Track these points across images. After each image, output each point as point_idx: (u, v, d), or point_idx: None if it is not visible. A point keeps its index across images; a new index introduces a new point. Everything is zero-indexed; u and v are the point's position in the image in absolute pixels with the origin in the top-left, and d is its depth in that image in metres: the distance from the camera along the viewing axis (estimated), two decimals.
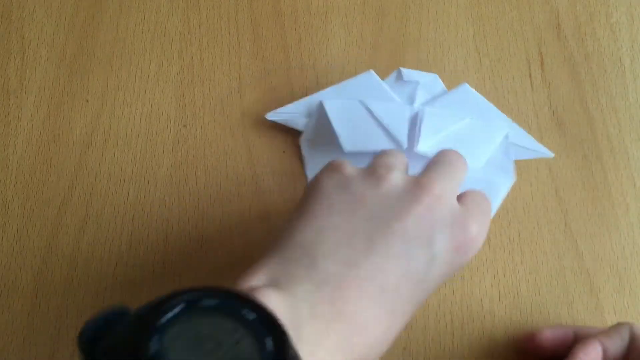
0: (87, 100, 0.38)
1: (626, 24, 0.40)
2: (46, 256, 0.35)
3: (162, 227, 0.35)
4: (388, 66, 0.39)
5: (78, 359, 0.33)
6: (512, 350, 0.34)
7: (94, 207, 0.36)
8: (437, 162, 0.27)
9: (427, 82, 0.37)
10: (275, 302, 0.20)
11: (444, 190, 0.25)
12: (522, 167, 0.37)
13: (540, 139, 0.37)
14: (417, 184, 0.25)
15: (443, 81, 0.39)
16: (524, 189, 0.36)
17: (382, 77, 0.39)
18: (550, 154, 0.36)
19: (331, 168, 0.27)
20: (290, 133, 0.38)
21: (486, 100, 0.36)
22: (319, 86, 0.38)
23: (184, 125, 0.38)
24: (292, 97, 0.38)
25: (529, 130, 0.38)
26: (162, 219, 0.36)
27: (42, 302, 0.34)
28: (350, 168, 0.26)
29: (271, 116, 0.36)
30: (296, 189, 0.36)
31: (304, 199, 0.26)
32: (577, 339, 0.29)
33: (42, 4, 0.40)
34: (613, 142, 0.37)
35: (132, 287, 0.34)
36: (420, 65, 0.39)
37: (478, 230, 0.25)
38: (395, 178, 0.25)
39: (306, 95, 0.38)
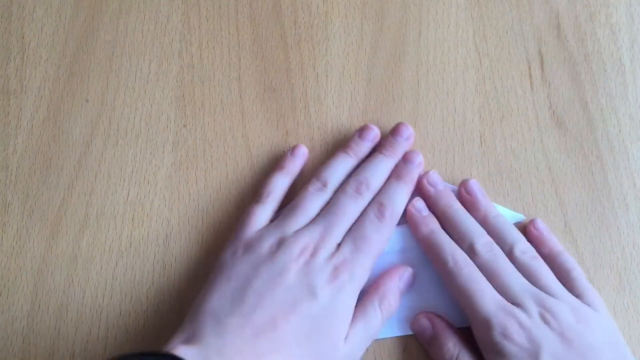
0: (87, 100, 0.38)
1: (626, 24, 0.40)
2: (46, 256, 0.35)
3: (162, 227, 0.35)
4: (388, 66, 0.39)
5: (78, 359, 0.33)
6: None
7: (94, 207, 0.36)
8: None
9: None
10: (188, 354, 0.25)
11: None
12: (522, 167, 0.37)
13: (540, 139, 0.37)
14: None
15: (443, 81, 0.39)
16: (524, 189, 0.36)
17: (382, 80, 0.39)
18: (522, 217, 0.35)
19: (233, 247, 0.32)
20: (290, 134, 0.38)
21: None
22: (319, 86, 0.39)
23: (184, 125, 0.38)
24: (292, 97, 0.38)
25: (529, 130, 0.38)
26: (162, 219, 0.36)
27: (42, 302, 0.34)
28: (248, 246, 0.31)
29: None
30: (296, 189, 0.36)
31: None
32: None
33: (42, 4, 0.40)
34: (613, 142, 0.37)
35: (132, 287, 0.34)
36: (420, 65, 0.39)
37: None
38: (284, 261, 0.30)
39: (306, 94, 0.38)
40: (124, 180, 0.36)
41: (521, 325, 0.28)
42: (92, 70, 0.39)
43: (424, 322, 0.32)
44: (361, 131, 0.36)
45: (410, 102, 0.38)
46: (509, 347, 0.28)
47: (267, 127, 0.38)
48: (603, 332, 0.30)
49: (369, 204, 0.33)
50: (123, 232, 0.35)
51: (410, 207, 0.34)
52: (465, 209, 0.34)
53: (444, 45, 0.40)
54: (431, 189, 0.35)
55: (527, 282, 0.31)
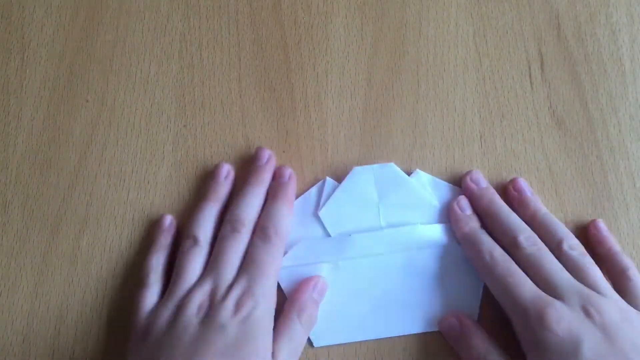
0: (87, 100, 0.38)
1: (626, 24, 0.40)
2: (46, 256, 0.35)
3: None
4: (388, 66, 0.39)
5: (78, 359, 0.33)
6: (511, 350, 0.34)
7: (94, 207, 0.36)
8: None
9: (383, 173, 0.36)
10: None
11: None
12: (522, 167, 0.37)
13: (540, 139, 0.37)
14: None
15: (443, 81, 0.39)
16: None
17: (382, 80, 0.39)
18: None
19: (133, 339, 0.31)
20: (290, 134, 0.38)
21: (443, 182, 0.36)
22: (319, 86, 0.39)
23: (184, 125, 0.38)
24: (292, 97, 0.38)
25: (529, 130, 0.38)
26: None
27: (42, 302, 0.34)
28: (145, 332, 0.31)
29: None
30: (296, 189, 0.36)
31: None
32: None
33: (42, 4, 0.40)
34: (613, 142, 0.37)
35: (133, 287, 0.34)
36: (420, 65, 0.39)
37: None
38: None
39: (306, 94, 0.38)
40: (124, 180, 0.36)
41: (561, 316, 0.28)
42: (92, 70, 0.39)
43: (452, 321, 0.32)
44: (213, 174, 0.36)
45: (410, 102, 0.38)
46: (548, 337, 0.27)
47: (267, 127, 0.38)
48: None
49: (253, 232, 0.33)
50: (123, 232, 0.35)
51: (454, 204, 0.35)
52: (514, 207, 0.34)
53: (444, 45, 0.40)
54: (474, 187, 0.35)
55: (572, 277, 0.30)
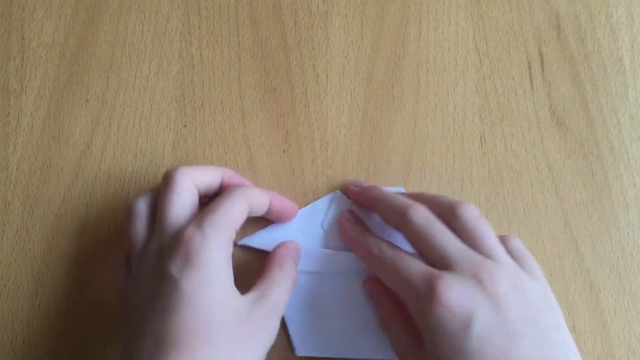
0: (87, 100, 0.38)
1: (626, 24, 0.40)
2: (46, 256, 0.35)
3: None
4: (388, 66, 0.39)
5: None
6: None
7: (94, 207, 0.36)
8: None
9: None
10: None
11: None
12: (522, 167, 0.37)
13: (541, 139, 0.38)
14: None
15: (443, 81, 0.39)
16: (524, 189, 0.36)
17: (382, 80, 0.39)
18: None
19: None
20: (290, 134, 0.38)
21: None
22: (319, 86, 0.39)
23: (184, 125, 0.38)
24: (292, 97, 0.38)
25: (529, 130, 0.38)
26: None
27: (42, 302, 0.34)
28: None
29: (243, 242, 0.35)
30: (296, 189, 0.36)
31: None
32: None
33: (42, 4, 0.40)
34: (613, 142, 0.37)
35: None
36: (420, 65, 0.39)
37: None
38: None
39: (306, 94, 0.38)
40: (124, 180, 0.36)
41: (450, 286, 0.26)
42: (92, 70, 0.39)
43: (366, 286, 0.33)
44: None
45: (410, 102, 0.38)
46: (438, 312, 0.26)
47: (267, 127, 0.38)
48: (540, 302, 0.27)
49: None
50: (123, 232, 0.35)
51: (340, 217, 0.35)
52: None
53: (444, 45, 0.40)
54: (356, 189, 0.35)
55: (463, 245, 0.29)
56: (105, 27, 0.40)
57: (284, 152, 0.37)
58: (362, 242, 0.32)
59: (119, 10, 0.40)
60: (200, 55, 0.39)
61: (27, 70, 0.39)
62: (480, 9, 0.41)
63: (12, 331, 0.33)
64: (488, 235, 0.29)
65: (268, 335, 0.29)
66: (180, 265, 0.27)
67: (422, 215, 0.30)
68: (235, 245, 0.34)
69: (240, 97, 0.38)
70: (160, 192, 0.31)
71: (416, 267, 0.28)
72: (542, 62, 0.39)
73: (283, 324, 0.33)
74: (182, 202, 0.30)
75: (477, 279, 0.27)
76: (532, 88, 0.39)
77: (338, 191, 0.36)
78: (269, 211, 0.33)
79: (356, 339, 0.33)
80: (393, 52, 0.39)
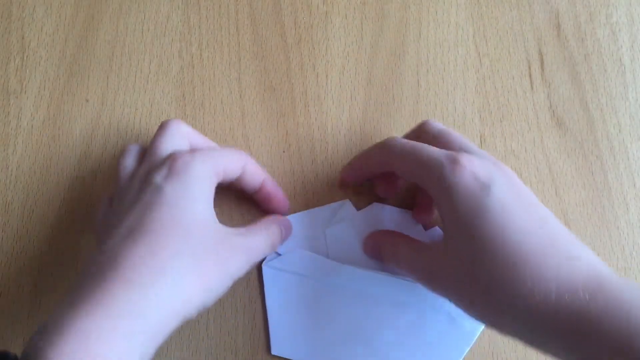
0: (87, 100, 0.38)
1: (626, 24, 0.40)
2: (46, 256, 0.35)
3: None
4: (388, 66, 0.39)
5: None
6: (511, 349, 0.34)
7: (94, 207, 0.36)
8: None
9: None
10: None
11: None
12: (522, 167, 0.37)
13: (540, 139, 0.38)
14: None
15: (443, 81, 0.39)
16: None
17: (382, 80, 0.39)
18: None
19: None
20: (290, 134, 0.38)
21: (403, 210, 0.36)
22: (319, 86, 0.39)
23: None
24: (292, 97, 0.38)
25: (529, 130, 0.38)
26: None
27: (42, 302, 0.34)
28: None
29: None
30: (296, 189, 0.36)
31: None
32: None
33: (42, 4, 0.40)
34: (613, 142, 0.37)
35: None
36: (420, 65, 0.39)
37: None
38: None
39: (306, 94, 0.38)
40: None
41: (471, 159, 0.28)
42: (92, 70, 0.39)
43: (369, 241, 0.34)
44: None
45: (410, 102, 0.38)
46: (463, 174, 0.27)
47: (267, 127, 0.38)
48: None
49: None
50: None
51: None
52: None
53: (444, 45, 0.40)
54: (347, 169, 0.35)
55: None
56: (105, 27, 0.40)
57: (284, 152, 0.37)
58: (384, 143, 0.32)
59: (119, 10, 0.40)
60: (200, 55, 0.39)
61: (27, 70, 0.39)
62: (480, 9, 0.41)
63: (12, 331, 0.33)
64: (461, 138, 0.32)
65: (235, 268, 0.29)
66: (165, 174, 0.28)
67: (437, 124, 0.32)
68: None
69: (240, 97, 0.38)
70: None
71: (437, 149, 0.29)
72: (542, 62, 0.39)
73: (265, 321, 0.33)
74: (173, 140, 0.31)
75: (493, 162, 0.29)
76: (532, 88, 0.39)
77: (348, 200, 0.36)
78: (260, 190, 0.34)
79: (334, 350, 0.33)
80: (393, 52, 0.39)
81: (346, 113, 0.38)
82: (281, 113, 0.38)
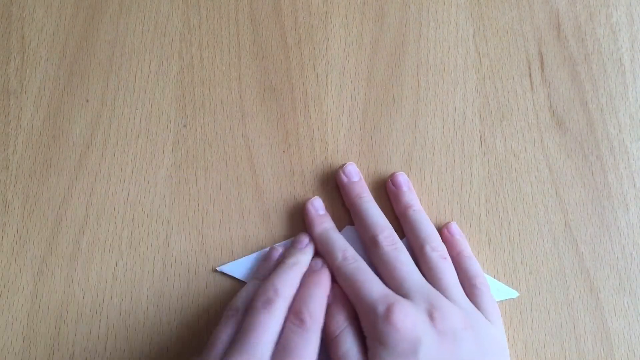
0: (87, 100, 0.38)
1: (626, 24, 0.40)
2: (46, 256, 0.35)
3: (162, 227, 0.35)
4: (388, 66, 0.39)
5: (78, 359, 0.33)
6: (511, 349, 0.34)
7: (94, 207, 0.36)
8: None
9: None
10: None
11: None
12: (522, 167, 0.37)
13: (540, 139, 0.38)
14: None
15: (443, 81, 0.39)
16: (524, 189, 0.36)
17: (382, 80, 0.39)
18: (515, 294, 0.34)
19: None
20: (290, 134, 0.38)
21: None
22: (319, 86, 0.39)
23: (184, 125, 0.38)
24: (292, 97, 0.38)
25: (529, 130, 0.38)
26: (162, 219, 0.36)
27: (42, 302, 0.34)
28: None
29: (221, 269, 0.35)
30: (296, 189, 0.36)
31: None
32: None
33: (42, 4, 0.40)
34: (613, 142, 0.37)
35: (132, 287, 0.34)
36: (420, 65, 0.39)
37: None
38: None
39: (306, 94, 0.38)
40: (124, 180, 0.36)
41: (406, 313, 0.28)
42: (92, 70, 0.39)
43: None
44: (268, 257, 0.35)
45: (410, 102, 0.38)
46: (391, 333, 0.28)
47: (267, 127, 0.38)
48: (489, 344, 0.30)
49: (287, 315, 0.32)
50: (123, 232, 0.35)
51: (307, 204, 0.35)
52: (391, 201, 0.35)
53: (444, 45, 0.40)
54: (344, 179, 0.35)
55: (424, 280, 0.31)
56: (105, 27, 0.40)
57: (284, 152, 0.37)
58: (327, 244, 0.33)
59: (119, 10, 0.40)
60: (200, 55, 0.39)
61: (27, 70, 0.39)
62: (480, 9, 0.41)
63: (12, 331, 0.33)
64: (448, 274, 0.32)
65: None
66: None
67: (390, 242, 0.32)
68: (213, 271, 0.35)
69: (240, 97, 0.38)
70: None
71: (376, 286, 0.30)
72: (542, 62, 0.39)
73: None
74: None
75: (430, 315, 0.29)
76: (532, 88, 0.39)
77: (348, 226, 0.35)
78: None
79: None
80: (393, 52, 0.39)
81: (346, 113, 0.38)
82: (281, 113, 0.38)
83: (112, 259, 0.35)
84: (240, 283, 0.35)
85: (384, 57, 0.39)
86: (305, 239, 0.35)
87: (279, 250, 0.35)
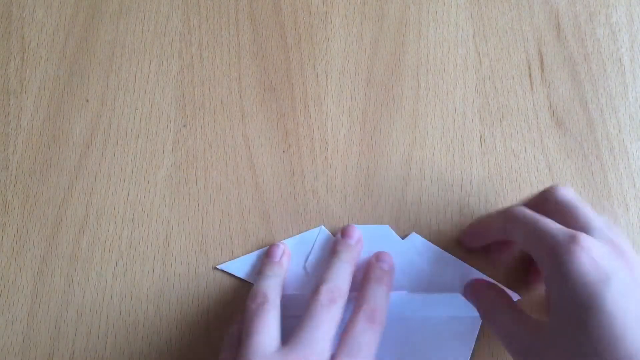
0: (87, 100, 0.38)
1: (626, 24, 0.40)
2: (46, 256, 0.35)
3: (162, 227, 0.35)
4: (388, 66, 0.39)
5: (78, 359, 0.33)
6: None
7: (94, 207, 0.36)
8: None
9: (376, 234, 0.35)
10: None
11: None
12: (522, 167, 0.37)
13: (540, 139, 0.38)
14: None
15: (443, 81, 0.39)
16: (524, 189, 0.36)
17: (382, 80, 0.39)
18: (516, 296, 0.34)
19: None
20: (290, 134, 0.38)
21: (437, 248, 0.35)
22: (319, 86, 0.39)
23: (184, 125, 0.38)
24: (292, 97, 0.38)
25: (529, 130, 0.38)
26: (162, 219, 0.36)
27: (42, 302, 0.34)
28: None
29: (222, 267, 0.35)
30: (296, 189, 0.36)
31: None
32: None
33: (42, 4, 0.40)
34: (613, 142, 0.37)
35: (132, 287, 0.34)
36: (420, 65, 0.39)
37: None
38: None
39: (306, 94, 0.38)
40: (124, 180, 0.36)
41: (592, 242, 0.26)
42: (92, 70, 0.39)
43: (469, 288, 0.33)
44: (269, 254, 0.34)
45: (410, 102, 0.38)
46: (581, 259, 0.25)
47: (267, 127, 0.38)
48: None
49: (357, 309, 0.31)
50: (123, 232, 0.35)
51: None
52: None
53: (444, 45, 0.40)
54: (466, 237, 0.35)
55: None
56: (105, 27, 0.40)
57: (284, 152, 0.37)
58: (507, 211, 0.31)
59: (119, 10, 0.40)
60: (200, 55, 0.39)
61: (27, 70, 0.39)
62: (480, 9, 0.41)
63: (12, 331, 0.33)
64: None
65: None
66: None
67: (569, 192, 0.30)
68: (214, 269, 0.35)
69: (240, 97, 0.38)
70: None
71: (557, 226, 0.28)
72: (542, 62, 0.39)
73: None
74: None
75: (616, 247, 0.26)
76: (532, 88, 0.39)
77: (322, 227, 0.35)
78: None
79: None
80: (393, 52, 0.39)
81: (346, 113, 0.38)
82: (281, 113, 0.38)
83: (112, 259, 0.35)
84: (240, 283, 0.35)
85: (384, 57, 0.39)
86: (356, 234, 0.34)
87: (281, 247, 0.34)
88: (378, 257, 0.34)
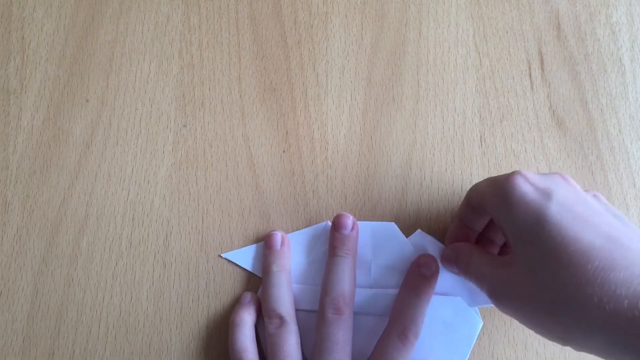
0: (87, 100, 0.38)
1: (626, 24, 0.40)
2: (46, 256, 0.35)
3: (162, 227, 0.35)
4: (388, 66, 0.39)
5: (78, 359, 0.33)
6: (511, 349, 0.34)
7: (94, 207, 0.36)
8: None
9: (382, 231, 0.35)
10: None
11: None
12: (522, 167, 0.37)
13: (541, 139, 0.37)
14: None
15: (443, 81, 0.39)
16: None
17: (382, 80, 0.39)
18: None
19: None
20: (290, 134, 0.38)
21: (442, 245, 0.35)
22: (319, 86, 0.38)
23: (184, 125, 0.38)
24: (292, 97, 0.38)
25: (529, 130, 0.38)
26: (162, 219, 0.36)
27: (42, 302, 0.34)
28: None
29: (226, 255, 0.35)
30: (296, 189, 0.36)
31: None
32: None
33: (42, 4, 0.40)
34: (613, 142, 0.37)
35: (132, 287, 0.34)
36: (420, 65, 0.39)
37: None
38: None
39: (306, 94, 0.38)
40: (124, 180, 0.36)
41: (530, 173, 0.27)
42: (92, 70, 0.39)
43: (447, 250, 0.33)
44: (268, 244, 0.34)
45: (410, 102, 0.38)
46: (520, 185, 0.26)
47: (267, 127, 0.38)
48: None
49: (390, 325, 0.31)
50: (123, 232, 0.35)
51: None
52: None
53: (444, 45, 0.40)
54: (449, 257, 0.34)
55: None
56: (105, 27, 0.40)
57: (284, 152, 0.37)
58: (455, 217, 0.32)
59: (119, 10, 0.40)
60: (200, 55, 0.39)
61: (27, 70, 0.39)
62: (480, 9, 0.41)
63: (12, 331, 0.33)
64: None
65: None
66: None
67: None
68: (218, 256, 0.35)
69: (240, 97, 0.38)
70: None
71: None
72: (542, 62, 0.39)
73: None
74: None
75: (562, 177, 0.27)
76: (532, 88, 0.39)
77: (328, 222, 0.35)
78: None
79: None
80: (393, 52, 0.39)
81: (346, 113, 0.38)
82: (281, 113, 0.38)
83: (112, 259, 0.35)
84: (240, 283, 0.35)
85: (384, 57, 0.39)
86: (349, 222, 0.33)
87: (279, 234, 0.34)
88: (420, 261, 0.33)
